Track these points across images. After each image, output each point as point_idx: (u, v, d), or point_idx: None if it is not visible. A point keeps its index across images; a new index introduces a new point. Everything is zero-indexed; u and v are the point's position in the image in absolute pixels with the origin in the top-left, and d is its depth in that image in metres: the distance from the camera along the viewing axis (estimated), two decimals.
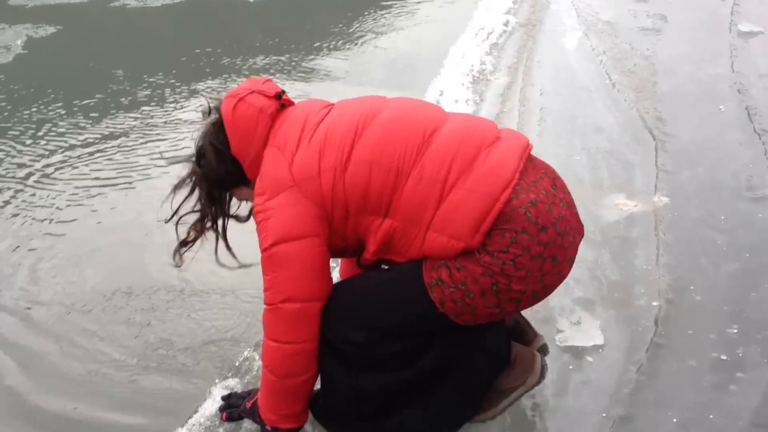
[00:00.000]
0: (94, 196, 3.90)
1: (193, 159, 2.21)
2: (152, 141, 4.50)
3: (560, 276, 1.98)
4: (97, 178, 4.07)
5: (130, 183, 4.02)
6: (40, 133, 4.63)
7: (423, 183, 1.91)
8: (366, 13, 7.04)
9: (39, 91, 5.31)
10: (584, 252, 2.71)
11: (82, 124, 4.76)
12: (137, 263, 3.31)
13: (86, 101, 5.12)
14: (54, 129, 4.70)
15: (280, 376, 2.10)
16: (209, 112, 2.19)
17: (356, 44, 6.23)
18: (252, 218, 2.15)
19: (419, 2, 7.42)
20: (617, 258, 3.18)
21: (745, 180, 3.76)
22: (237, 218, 2.35)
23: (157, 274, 3.21)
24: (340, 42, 6.30)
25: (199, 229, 2.28)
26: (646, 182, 3.78)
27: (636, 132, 4.37)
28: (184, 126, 4.65)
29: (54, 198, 3.89)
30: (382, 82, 5.31)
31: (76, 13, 7.26)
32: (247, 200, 2.28)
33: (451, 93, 4.96)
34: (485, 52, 5.77)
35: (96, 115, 4.90)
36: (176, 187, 2.24)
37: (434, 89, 5.02)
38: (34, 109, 5.00)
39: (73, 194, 3.92)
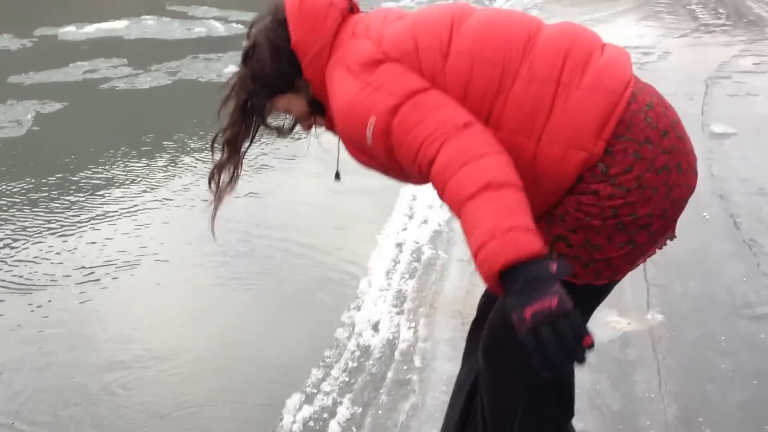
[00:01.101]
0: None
1: (240, 61, 1.93)
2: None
3: (687, 187, 1.76)
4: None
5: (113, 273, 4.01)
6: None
7: (535, 84, 1.67)
8: None
9: (48, 170, 5.63)
10: (581, 377, 2.53)
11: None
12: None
13: (81, 183, 5.39)
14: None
15: (497, 186, 1.51)
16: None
17: None
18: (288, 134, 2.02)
19: None
20: (617, 384, 2.98)
21: (741, 296, 3.60)
22: (279, 131, 2.04)
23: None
24: None
25: (232, 145, 1.95)
26: (637, 297, 3.61)
27: None
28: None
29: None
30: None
31: (74, 91, 7.85)
32: (289, 112, 1.99)
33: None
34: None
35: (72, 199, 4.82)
36: (225, 100, 1.93)
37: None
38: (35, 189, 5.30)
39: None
